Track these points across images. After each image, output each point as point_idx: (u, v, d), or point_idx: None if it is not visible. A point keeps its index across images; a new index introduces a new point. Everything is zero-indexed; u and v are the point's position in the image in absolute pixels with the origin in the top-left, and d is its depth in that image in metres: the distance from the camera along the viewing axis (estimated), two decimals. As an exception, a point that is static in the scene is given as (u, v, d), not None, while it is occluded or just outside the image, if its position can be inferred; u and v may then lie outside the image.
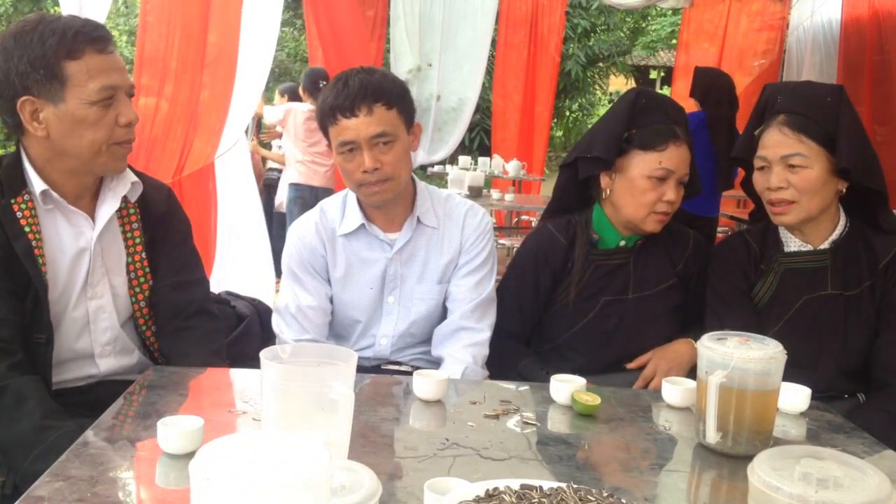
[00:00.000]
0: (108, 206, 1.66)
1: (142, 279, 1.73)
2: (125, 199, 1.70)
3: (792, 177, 1.79)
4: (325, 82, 5.82)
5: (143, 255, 1.72)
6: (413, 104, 1.89)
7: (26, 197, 1.58)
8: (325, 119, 1.82)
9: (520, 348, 2.03)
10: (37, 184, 1.58)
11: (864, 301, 1.84)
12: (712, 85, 4.86)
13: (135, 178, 1.70)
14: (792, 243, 1.90)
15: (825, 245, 1.87)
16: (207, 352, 1.71)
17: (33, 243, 1.56)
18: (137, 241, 1.72)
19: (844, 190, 1.83)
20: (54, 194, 1.60)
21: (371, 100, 1.76)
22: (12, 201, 1.56)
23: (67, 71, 1.51)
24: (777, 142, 1.81)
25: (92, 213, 1.66)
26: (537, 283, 2.03)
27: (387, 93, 1.78)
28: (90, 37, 1.53)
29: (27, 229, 1.56)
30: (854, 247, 1.86)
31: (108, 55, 1.56)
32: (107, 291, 1.68)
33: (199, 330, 1.75)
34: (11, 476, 1.45)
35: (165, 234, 1.77)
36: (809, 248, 1.88)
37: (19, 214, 1.56)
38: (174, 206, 1.82)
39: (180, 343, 1.73)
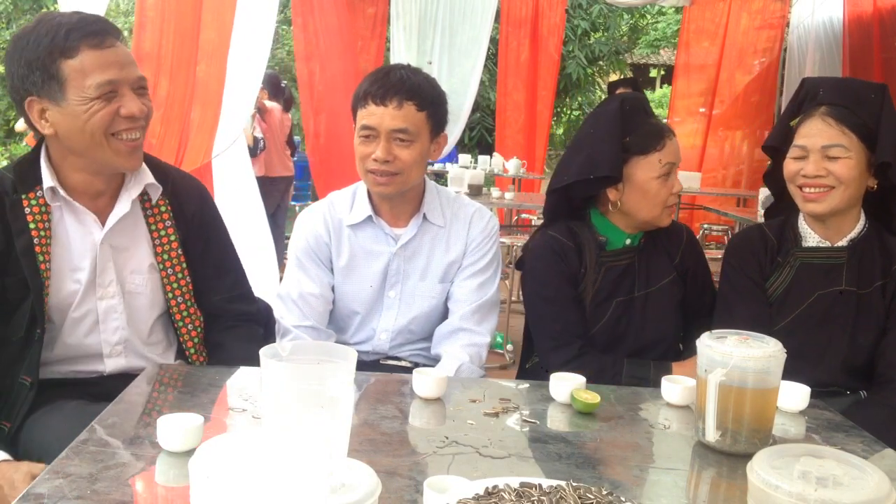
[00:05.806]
0: (120, 208, 1.65)
1: (179, 275, 1.72)
2: (148, 197, 1.69)
3: (830, 166, 1.80)
4: (285, 83, 6.01)
5: (180, 251, 1.72)
6: (446, 116, 1.91)
7: (39, 193, 1.58)
8: (357, 101, 1.85)
9: (605, 357, 1.90)
10: (46, 180, 1.58)
11: (875, 300, 1.85)
12: None
13: (151, 180, 1.69)
14: (810, 238, 1.91)
15: (843, 242, 1.88)
16: (255, 347, 1.73)
17: (35, 240, 1.56)
18: (172, 237, 1.72)
19: (875, 187, 1.84)
20: (61, 191, 1.59)
21: (405, 96, 1.79)
22: (24, 197, 1.57)
23: (64, 71, 1.49)
24: (819, 131, 1.81)
25: (108, 214, 1.65)
26: (563, 275, 1.94)
27: (422, 94, 1.81)
28: (84, 32, 1.50)
29: (32, 225, 1.56)
30: (870, 247, 1.88)
31: (105, 50, 1.52)
32: (118, 292, 1.66)
33: (249, 330, 1.80)
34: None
35: (203, 234, 1.78)
36: (827, 244, 1.89)
37: (27, 210, 1.57)
38: (208, 204, 1.84)
39: (228, 336, 1.77)
